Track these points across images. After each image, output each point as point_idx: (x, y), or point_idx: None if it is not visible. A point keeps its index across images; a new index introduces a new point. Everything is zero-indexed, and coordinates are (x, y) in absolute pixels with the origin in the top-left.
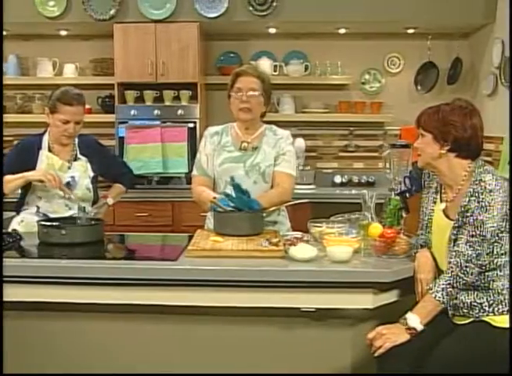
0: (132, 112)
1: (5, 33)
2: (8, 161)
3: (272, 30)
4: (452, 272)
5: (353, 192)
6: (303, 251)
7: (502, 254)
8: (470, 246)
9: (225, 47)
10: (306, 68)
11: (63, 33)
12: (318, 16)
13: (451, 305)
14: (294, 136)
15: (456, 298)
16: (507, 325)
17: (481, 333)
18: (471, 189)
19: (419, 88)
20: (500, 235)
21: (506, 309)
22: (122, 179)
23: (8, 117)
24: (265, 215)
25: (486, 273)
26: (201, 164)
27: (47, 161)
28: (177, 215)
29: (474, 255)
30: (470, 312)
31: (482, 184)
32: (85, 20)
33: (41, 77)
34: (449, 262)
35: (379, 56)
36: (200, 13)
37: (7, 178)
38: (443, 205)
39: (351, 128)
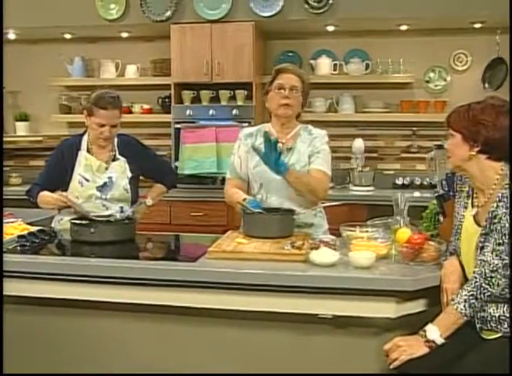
0: (188, 112)
1: (70, 36)
2: (49, 163)
3: (331, 28)
4: (475, 282)
5: (415, 195)
6: (323, 255)
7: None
8: (496, 255)
9: (285, 46)
10: (367, 66)
11: (125, 35)
12: (376, 13)
13: (479, 318)
14: (354, 136)
15: (485, 311)
16: None
17: (508, 351)
18: (500, 194)
19: (486, 85)
20: None
21: None
22: (163, 179)
23: (73, 118)
24: (295, 217)
25: None
26: (234, 166)
27: (85, 162)
28: (231, 215)
29: (501, 265)
30: (499, 327)
31: None
32: (143, 22)
33: (104, 78)
34: (474, 272)
35: (444, 52)
36: (256, 12)
37: (43, 197)
38: (474, 211)
39: (414, 129)
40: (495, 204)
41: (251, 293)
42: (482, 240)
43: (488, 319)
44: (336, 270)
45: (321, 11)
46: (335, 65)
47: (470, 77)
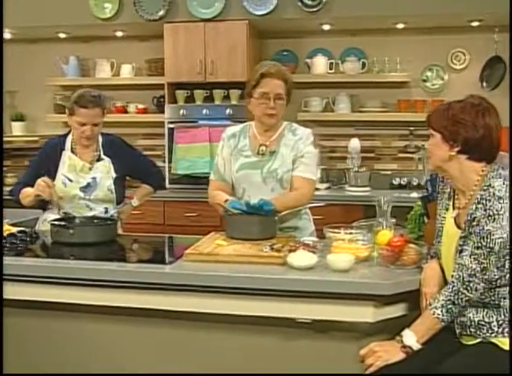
0: (181, 112)
1: (64, 35)
2: (33, 163)
3: (326, 27)
4: (453, 287)
5: (412, 195)
6: (300, 258)
7: (510, 268)
8: (474, 259)
9: (281, 45)
10: (363, 65)
11: (119, 34)
12: (371, 11)
13: (458, 323)
14: (350, 136)
15: (464, 316)
16: None
17: (487, 356)
18: (479, 196)
19: (484, 84)
20: None
21: None
22: (149, 179)
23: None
24: (277, 219)
25: (497, 289)
26: (218, 168)
27: (68, 162)
28: None
29: (479, 269)
30: (478, 332)
31: (491, 190)
32: (137, 21)
33: (99, 78)
34: (452, 276)
35: (442, 51)
36: (249, 11)
37: (24, 192)
38: (455, 212)
39: (411, 128)
40: (474, 206)
41: (226, 296)
42: (461, 243)
43: (468, 324)
44: (313, 273)
45: (315, 9)
46: (331, 64)
47: (468, 75)
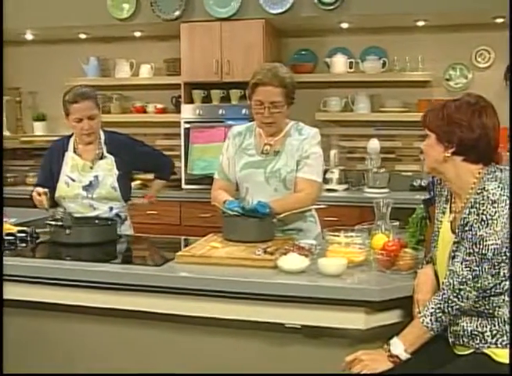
0: (198, 111)
1: (84, 36)
2: (42, 164)
3: (345, 25)
4: (443, 295)
5: None
6: (291, 262)
7: (510, 276)
8: (466, 266)
9: (300, 44)
10: (384, 64)
11: (138, 34)
12: (390, 8)
13: (451, 332)
14: (370, 137)
15: (457, 325)
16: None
17: (479, 368)
18: (472, 200)
19: (508, 83)
20: (508, 254)
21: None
22: (158, 171)
23: None
24: (276, 221)
25: (491, 298)
26: (222, 167)
27: (71, 163)
28: None
29: (471, 277)
30: (471, 342)
31: (485, 193)
32: (153, 21)
33: (118, 78)
34: (442, 283)
35: (465, 49)
36: (265, 10)
37: (36, 191)
38: (451, 216)
39: None
40: (467, 211)
41: (214, 299)
42: (454, 248)
43: (461, 333)
44: (303, 278)
45: (332, 7)
46: (351, 63)
47: (492, 74)
